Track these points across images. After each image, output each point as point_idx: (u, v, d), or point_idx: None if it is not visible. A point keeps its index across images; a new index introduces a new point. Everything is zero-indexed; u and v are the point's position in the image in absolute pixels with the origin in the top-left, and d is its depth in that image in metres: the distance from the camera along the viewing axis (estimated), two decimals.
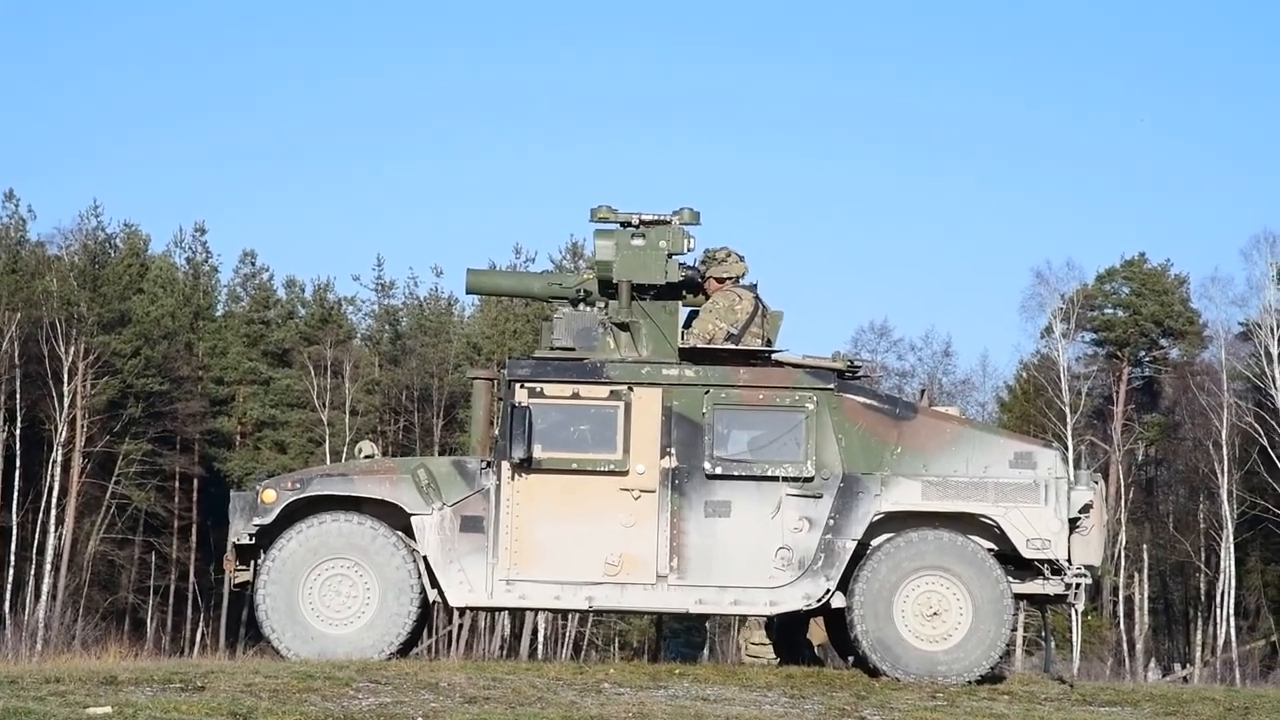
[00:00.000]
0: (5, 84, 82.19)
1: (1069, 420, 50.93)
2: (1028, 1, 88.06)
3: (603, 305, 12.90)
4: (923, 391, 15.80)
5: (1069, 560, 12.49)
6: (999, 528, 12.44)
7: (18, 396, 48.71)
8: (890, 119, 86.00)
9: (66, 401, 49.21)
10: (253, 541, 12.54)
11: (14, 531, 47.77)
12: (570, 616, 46.22)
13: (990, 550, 12.44)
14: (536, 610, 12.54)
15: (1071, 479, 12.59)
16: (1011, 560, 12.51)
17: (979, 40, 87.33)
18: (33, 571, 47.96)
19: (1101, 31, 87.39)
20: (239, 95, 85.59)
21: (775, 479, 12.41)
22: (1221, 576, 49.61)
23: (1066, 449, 12.94)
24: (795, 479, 12.41)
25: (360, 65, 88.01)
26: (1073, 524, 12.53)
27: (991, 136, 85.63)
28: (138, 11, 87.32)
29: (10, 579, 47.74)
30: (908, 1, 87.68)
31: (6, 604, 46.37)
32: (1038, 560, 12.46)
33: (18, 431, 48.62)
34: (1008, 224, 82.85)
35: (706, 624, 43.18)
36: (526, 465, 12.37)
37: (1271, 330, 49.87)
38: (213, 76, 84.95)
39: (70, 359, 49.36)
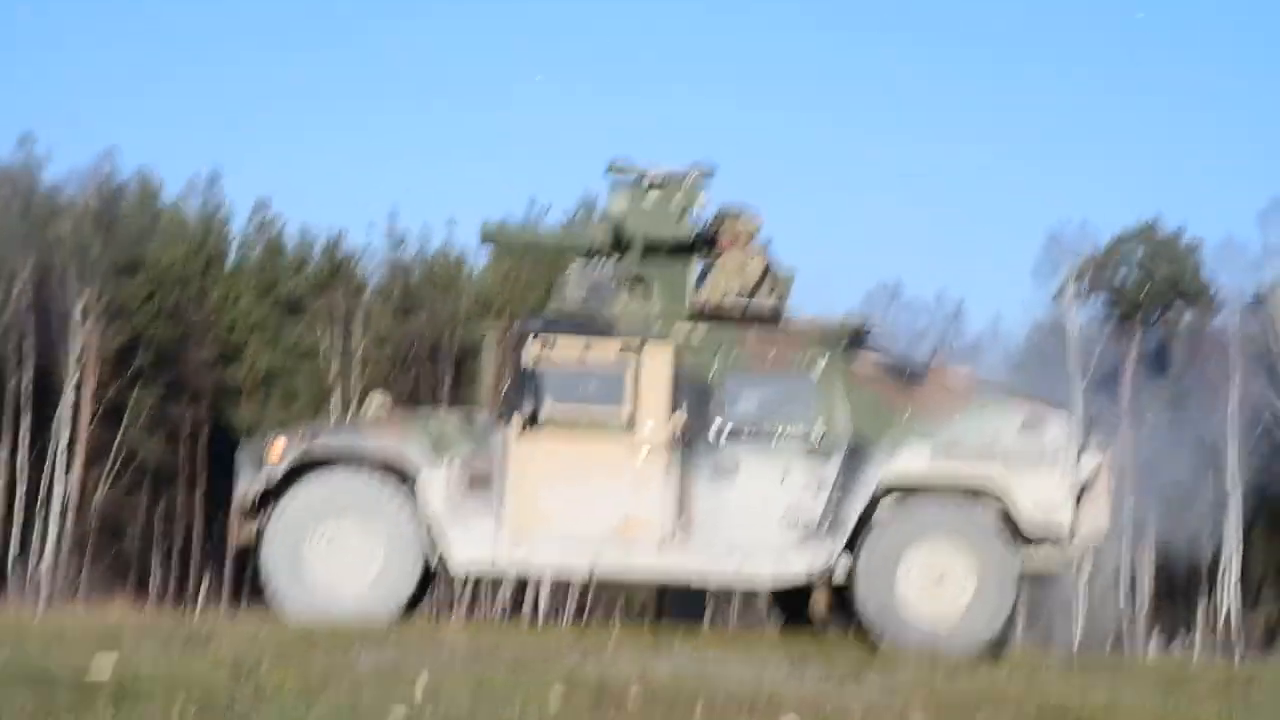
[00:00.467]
0: (25, 29, 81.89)
1: (1078, 385, 50.74)
2: None
3: (616, 260, 12.80)
4: (934, 354, 15.75)
5: (1075, 528, 12.40)
6: (1006, 494, 12.35)
7: (30, 342, 48.67)
8: (906, 81, 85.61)
9: (77, 348, 49.18)
10: (260, 497, 12.48)
11: (26, 478, 47.81)
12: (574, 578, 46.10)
13: (996, 517, 12.36)
14: (541, 571, 12.47)
15: (1080, 444, 12.50)
16: (1017, 527, 12.42)
17: (994, 2, 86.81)
18: (40, 520, 48.00)
19: None
20: (255, 40, 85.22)
21: (783, 442, 12.33)
22: (1226, 548, 49.51)
23: (1075, 414, 12.87)
24: (803, 442, 12.33)
25: (378, 11, 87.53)
26: (1080, 491, 12.44)
27: (1008, 99, 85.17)
28: None
29: (18, 525, 47.78)
30: None
31: (13, 551, 46.43)
32: (1044, 528, 12.38)
33: (28, 379, 48.60)
34: (1022, 186, 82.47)
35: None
36: (535, 421, 12.28)
37: None
38: (232, 21, 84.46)
39: (82, 304, 49.29)
